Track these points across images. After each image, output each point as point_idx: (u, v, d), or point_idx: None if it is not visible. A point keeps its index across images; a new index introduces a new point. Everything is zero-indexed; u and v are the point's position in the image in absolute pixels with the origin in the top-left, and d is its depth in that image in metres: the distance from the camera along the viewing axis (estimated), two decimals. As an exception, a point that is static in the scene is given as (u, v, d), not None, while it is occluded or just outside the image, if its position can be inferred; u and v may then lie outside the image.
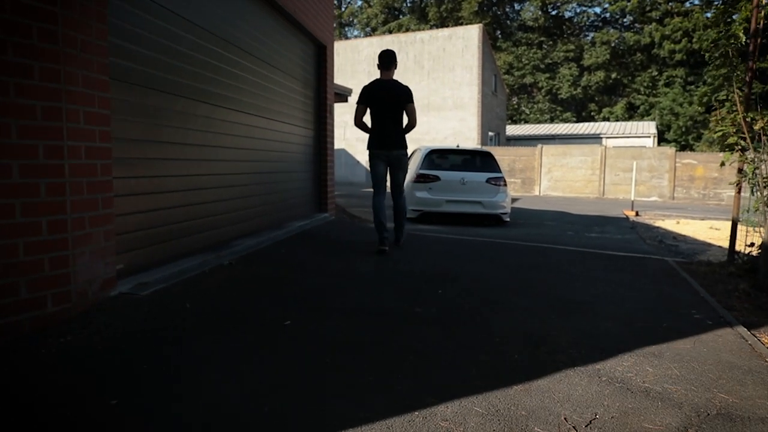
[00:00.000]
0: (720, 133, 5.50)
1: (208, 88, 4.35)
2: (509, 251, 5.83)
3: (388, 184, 5.40)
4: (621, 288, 4.22)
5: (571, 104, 42.18)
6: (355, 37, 48.38)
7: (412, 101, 5.15)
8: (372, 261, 4.77)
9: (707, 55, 5.54)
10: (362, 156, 22.97)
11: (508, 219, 9.44)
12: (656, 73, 37.87)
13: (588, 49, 40.84)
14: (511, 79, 42.32)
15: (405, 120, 5.21)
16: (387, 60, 5.19)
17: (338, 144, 24.33)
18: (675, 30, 34.18)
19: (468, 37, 21.87)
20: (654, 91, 37.64)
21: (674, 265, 5.40)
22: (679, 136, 33.74)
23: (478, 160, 9.89)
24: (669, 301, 3.90)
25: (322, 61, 7.45)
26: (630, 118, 37.43)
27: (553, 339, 2.86)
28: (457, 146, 10.03)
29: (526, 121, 41.03)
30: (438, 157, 9.86)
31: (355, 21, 50.21)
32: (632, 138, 26.47)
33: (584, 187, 19.99)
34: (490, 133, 23.85)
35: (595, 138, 26.55)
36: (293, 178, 6.54)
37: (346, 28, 51.23)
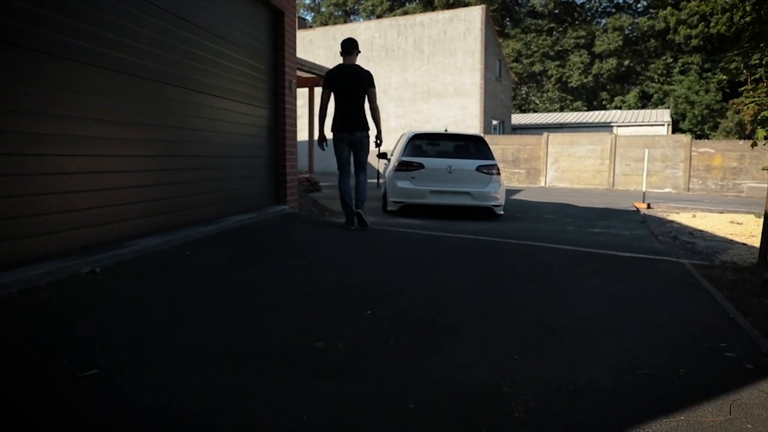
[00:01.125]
0: (750, 108, 4.42)
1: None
2: (490, 252, 4.78)
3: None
4: (622, 306, 3.16)
5: (581, 93, 40.70)
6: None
7: (373, 86, 5.40)
8: (297, 267, 3.76)
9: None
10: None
11: (501, 212, 8.36)
12: (671, 60, 36.26)
13: (600, 35, 39.28)
14: (519, 67, 40.92)
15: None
16: (349, 46, 5.56)
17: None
18: (691, 14, 32.55)
19: (470, 20, 20.67)
20: (668, 79, 36.08)
21: (692, 270, 4.32)
22: (695, 125, 32.23)
23: (468, 146, 8.81)
24: (687, 325, 2.84)
25: (279, 30, 6.39)
26: (643, 107, 35.94)
27: (500, 403, 1.83)
28: (445, 130, 8.95)
29: (535, 111, 39.65)
30: (423, 143, 8.79)
31: (360, 9, 48.98)
32: (645, 126, 25.12)
33: (593, 177, 18.79)
34: (494, 122, 22.67)
35: (606, 127, 25.23)
36: (236, 165, 5.52)
37: (352, 17, 50.01)
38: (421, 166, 8.17)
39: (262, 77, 6.12)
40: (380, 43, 22.28)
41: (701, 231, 7.97)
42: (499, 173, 8.30)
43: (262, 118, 6.15)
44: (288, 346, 2.26)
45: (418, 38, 21.66)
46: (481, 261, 4.29)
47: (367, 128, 5.49)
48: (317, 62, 19.93)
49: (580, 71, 38.79)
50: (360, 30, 22.70)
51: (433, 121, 21.20)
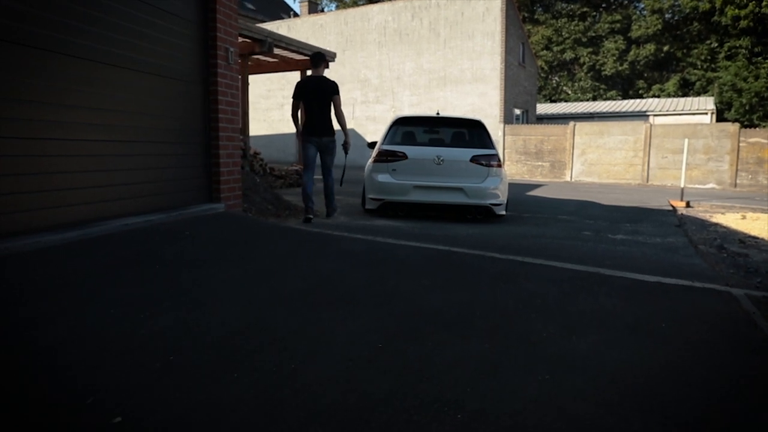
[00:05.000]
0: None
1: None
2: (451, 275, 3.37)
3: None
4: (629, 411, 1.72)
5: (616, 82, 38.21)
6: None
7: (337, 94, 5.99)
8: (117, 303, 2.43)
9: None
10: (372, 137, 20.55)
11: (503, 212, 6.88)
12: (716, 45, 33.46)
13: (637, 19, 36.69)
14: (549, 55, 38.70)
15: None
16: (316, 59, 6.09)
17: (347, 123, 21.97)
18: (740, -7, 29.84)
19: (490, -1, 18.97)
20: (713, 65, 33.33)
21: (752, 310, 2.82)
22: (742, 115, 29.55)
23: (464, 133, 7.35)
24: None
25: (210, -18, 5.09)
26: (684, 96, 33.36)
27: None
28: (437, 113, 7.50)
29: (566, 101, 37.43)
30: (409, 128, 7.36)
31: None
32: (685, 115, 22.88)
33: (624, 171, 16.93)
34: (516, 111, 20.92)
35: (641, 116, 23.11)
36: (135, 152, 4.24)
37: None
38: (404, 156, 6.76)
39: (183, 44, 4.82)
40: (394, 27, 20.79)
41: (755, 238, 6.32)
42: (500, 165, 6.82)
43: (184, 95, 4.85)
44: None
45: (434, 20, 20.07)
46: (425, 292, 2.88)
47: (333, 133, 6.10)
48: (329, 48, 18.68)
49: (614, 58, 36.34)
50: (373, 13, 21.24)
51: (449, 110, 19.64)
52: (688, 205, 9.94)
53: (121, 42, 4.05)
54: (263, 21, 25.37)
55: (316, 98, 5.94)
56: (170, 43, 4.64)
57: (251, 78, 23.09)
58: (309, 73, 6.33)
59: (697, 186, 15.61)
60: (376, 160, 6.89)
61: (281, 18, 26.33)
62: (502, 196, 6.79)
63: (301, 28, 23.04)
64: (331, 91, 5.97)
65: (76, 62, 3.65)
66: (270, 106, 23.57)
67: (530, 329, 2.40)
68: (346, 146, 6.34)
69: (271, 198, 6.59)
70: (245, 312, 2.45)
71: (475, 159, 6.71)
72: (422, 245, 4.41)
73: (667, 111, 23.55)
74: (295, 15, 26.35)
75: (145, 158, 4.38)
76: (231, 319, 2.35)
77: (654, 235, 6.13)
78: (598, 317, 2.62)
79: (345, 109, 24.03)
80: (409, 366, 1.96)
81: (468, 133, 7.27)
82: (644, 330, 2.46)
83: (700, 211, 9.19)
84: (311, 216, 5.87)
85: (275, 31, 21.42)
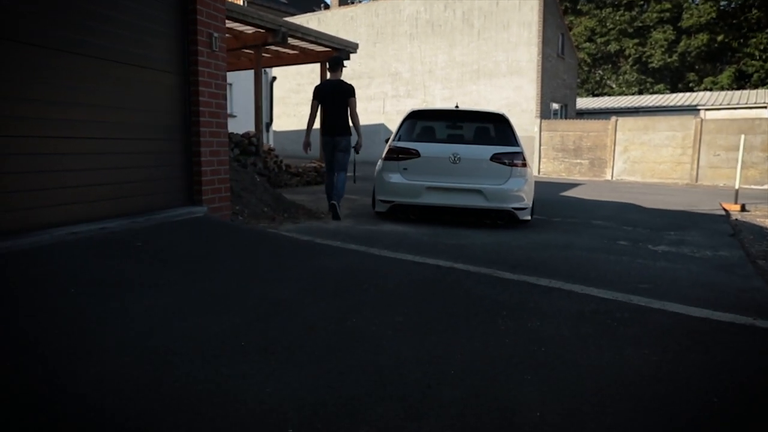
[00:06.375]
0: None
1: None
2: (438, 307, 2.71)
3: None
4: None
5: (664, 75, 36.17)
6: None
7: (352, 96, 6.20)
8: None
9: None
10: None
11: (527, 217, 6.12)
12: (776, 34, 31.20)
13: (688, 7, 34.56)
14: (592, 47, 37.00)
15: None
16: (333, 64, 6.35)
17: (377, 118, 21.40)
18: (803, -22, 27.63)
19: (527, -13, 17.95)
20: (772, 56, 31.10)
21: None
22: (804, 109, 27.39)
23: (485, 128, 6.61)
24: None
25: (191, -41, 4.54)
26: (740, 89, 31.23)
27: None
28: (456, 107, 6.79)
29: (610, 96, 35.69)
30: (424, 123, 6.68)
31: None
32: (741, 109, 21.19)
33: (671, 170, 15.68)
34: (554, 105, 19.81)
35: (691, 110, 21.55)
36: (93, 150, 3.74)
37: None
38: (416, 153, 6.09)
39: (157, 28, 4.29)
40: (425, 18, 20.01)
41: (826, 252, 5.36)
42: (525, 164, 6.06)
43: (158, 86, 4.33)
44: None
45: (468, 10, 19.18)
46: (392, 336, 2.22)
47: (348, 133, 6.24)
48: (358, 41, 18.12)
49: (663, 50, 34.36)
50: (404, 4, 20.50)
51: (482, 105, 18.75)
52: (743, 208, 8.88)
53: (79, 26, 3.55)
54: (295, 14, 25.01)
55: (333, 100, 6.19)
56: (141, 27, 4.12)
57: (280, 72, 22.82)
58: (328, 76, 6.50)
59: (753, 187, 14.26)
60: (386, 158, 6.26)
61: (313, 11, 25.91)
62: (527, 199, 6.03)
63: (331, 21, 22.54)
64: (347, 93, 6.18)
65: (23, 49, 3.17)
66: (300, 100, 23.17)
67: (517, 405, 1.72)
68: (357, 147, 6.36)
69: (269, 199, 6.05)
70: (137, 364, 1.87)
71: (496, 157, 5.98)
72: (421, 260, 3.75)
73: (720, 105, 21.90)
74: (326, 7, 25.89)
75: (105, 157, 3.86)
76: (111, 375, 1.78)
77: (703, 247, 5.28)
78: (620, 382, 1.92)
79: (375, 103, 23.43)
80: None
81: (489, 128, 6.54)
82: (684, 415, 1.75)
83: (758, 216, 8.15)
84: (337, 214, 6.19)
85: (305, 24, 21.00)
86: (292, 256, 3.61)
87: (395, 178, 6.12)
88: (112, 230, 3.57)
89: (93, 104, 3.74)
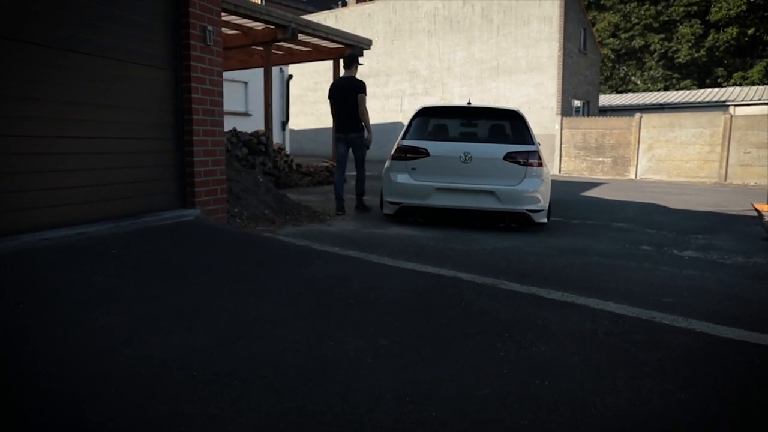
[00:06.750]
0: None
1: None
2: (429, 327, 2.41)
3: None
4: None
5: (691, 70, 35.06)
6: None
7: (361, 92, 6.22)
8: None
9: None
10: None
11: (544, 219, 5.76)
12: (810, 26, 29.97)
13: (717, 1, 33.43)
14: (616, 43, 36.08)
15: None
16: (348, 61, 6.51)
17: (394, 117, 21.09)
18: (840, -33, 26.43)
19: (548, -20, 17.44)
20: (806, 49, 29.87)
21: None
22: (840, 104, 26.21)
23: (499, 126, 6.26)
24: None
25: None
26: (771, 84, 30.07)
27: None
28: (468, 103, 6.45)
29: (635, 92, 34.75)
30: (434, 120, 6.37)
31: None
32: (773, 105, 20.33)
33: (698, 168, 15.05)
34: (576, 102, 19.24)
35: (719, 106, 20.73)
36: (74, 150, 3.53)
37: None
38: (425, 152, 5.78)
39: (145, 21, 4.07)
40: (444, 14, 19.63)
41: None
42: (540, 164, 5.71)
43: (147, 82, 4.11)
44: None
45: (486, 6, 18.74)
46: (371, 365, 1.92)
47: (360, 129, 6.29)
48: (376, 38, 17.78)
49: (690, 44, 33.30)
50: (422, 1, 20.13)
51: (502, 102, 18.31)
52: (777, 210, 8.34)
53: (62, 20, 3.34)
54: (313, 12, 24.83)
55: (344, 97, 6.26)
56: (127, 19, 3.90)
57: (297, 69, 22.63)
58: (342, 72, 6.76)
59: (786, 186, 13.59)
60: (393, 158, 5.96)
61: (331, 9, 25.70)
62: (543, 201, 5.67)
63: (348, 18, 22.30)
64: (356, 89, 6.21)
65: (13, 47, 2.97)
66: (317, 99, 22.97)
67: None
68: (367, 142, 6.41)
69: (271, 200, 5.80)
70: (39, 410, 1.61)
71: (510, 156, 5.64)
72: (422, 269, 3.45)
73: (751, 100, 21.03)
74: (344, 4, 25.65)
75: (88, 157, 3.66)
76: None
77: (735, 252, 4.86)
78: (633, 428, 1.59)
79: (393, 101, 23.09)
80: None
81: (503, 125, 6.19)
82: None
83: (793, 219, 7.62)
84: (341, 212, 6.28)
85: (322, 21, 20.78)
86: (282, 264, 3.35)
87: (403, 178, 5.82)
88: (90, 235, 3.35)
89: (74, 101, 3.53)
